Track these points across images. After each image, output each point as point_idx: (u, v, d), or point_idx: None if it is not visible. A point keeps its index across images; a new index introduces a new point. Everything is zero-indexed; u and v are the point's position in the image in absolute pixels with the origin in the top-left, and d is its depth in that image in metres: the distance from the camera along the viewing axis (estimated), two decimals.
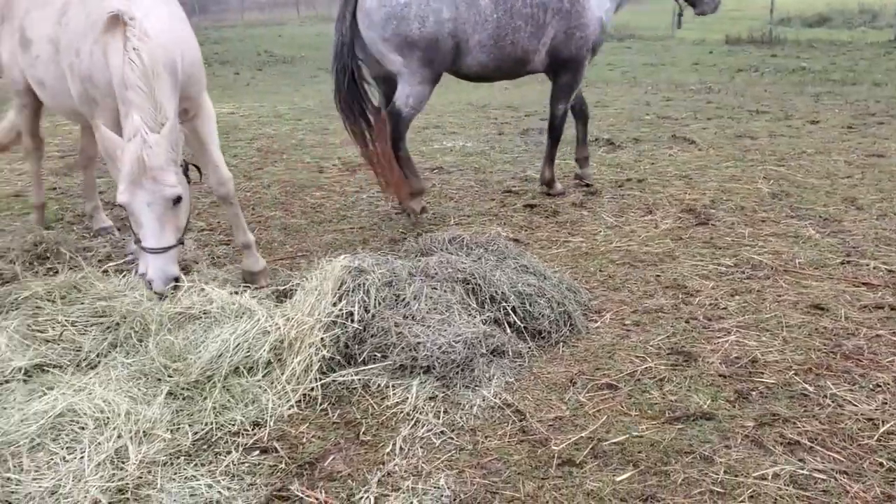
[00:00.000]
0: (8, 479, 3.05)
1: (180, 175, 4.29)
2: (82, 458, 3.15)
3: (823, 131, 9.81)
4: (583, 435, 3.47)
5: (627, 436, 3.45)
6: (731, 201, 6.85)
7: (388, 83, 6.57)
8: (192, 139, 5.01)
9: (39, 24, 4.91)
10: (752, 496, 3.05)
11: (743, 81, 14.80)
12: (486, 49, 6.42)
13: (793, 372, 3.96)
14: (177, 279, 4.28)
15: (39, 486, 3.01)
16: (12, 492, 3.00)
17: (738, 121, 10.73)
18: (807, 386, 3.82)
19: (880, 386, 3.80)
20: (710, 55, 19.19)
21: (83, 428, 3.31)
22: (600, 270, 5.39)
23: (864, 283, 5.00)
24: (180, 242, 4.33)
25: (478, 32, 6.35)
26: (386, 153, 6.38)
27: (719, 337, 4.37)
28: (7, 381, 3.74)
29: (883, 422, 3.49)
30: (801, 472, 3.18)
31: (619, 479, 3.17)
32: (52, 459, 3.16)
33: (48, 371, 3.80)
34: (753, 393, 3.78)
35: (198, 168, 4.84)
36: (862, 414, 3.56)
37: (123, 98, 4.13)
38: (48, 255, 5.11)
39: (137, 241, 4.27)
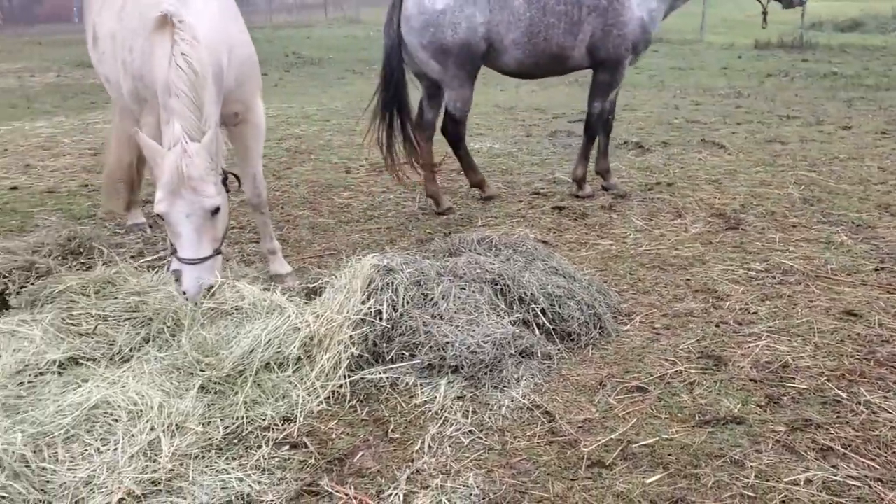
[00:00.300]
0: (44, 468, 3.09)
1: (219, 185, 4.26)
2: (116, 449, 3.19)
3: (856, 137, 9.71)
4: (612, 437, 3.46)
5: (657, 438, 3.44)
6: (761, 206, 6.80)
7: (430, 79, 6.90)
8: (236, 144, 5.07)
9: (106, 19, 4.90)
10: (783, 501, 3.03)
11: (773, 86, 14.67)
12: (521, 46, 6.67)
13: (825, 378, 3.92)
14: (210, 287, 4.23)
15: (74, 477, 3.05)
16: (48, 481, 3.04)
17: (768, 126, 10.64)
18: (840, 392, 3.78)
19: None
20: (739, 60, 19.03)
21: (117, 420, 3.36)
22: (630, 273, 5.37)
23: None
24: (217, 252, 4.29)
25: (511, 32, 6.59)
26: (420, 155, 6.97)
27: (750, 341, 4.34)
28: (42, 374, 3.79)
29: None
30: (835, 478, 3.15)
31: (648, 481, 3.16)
32: (86, 450, 3.20)
33: (82, 364, 3.85)
34: (785, 398, 3.75)
35: (237, 177, 4.84)
36: None
37: (166, 104, 4.09)
38: (81, 250, 5.17)
39: (174, 251, 4.25)
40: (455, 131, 7.04)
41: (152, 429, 3.30)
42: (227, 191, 4.45)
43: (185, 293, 4.18)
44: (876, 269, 5.29)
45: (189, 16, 4.15)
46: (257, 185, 5.11)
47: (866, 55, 19.11)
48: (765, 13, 7.35)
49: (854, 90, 13.70)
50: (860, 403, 3.68)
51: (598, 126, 7.22)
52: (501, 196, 7.42)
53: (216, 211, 4.18)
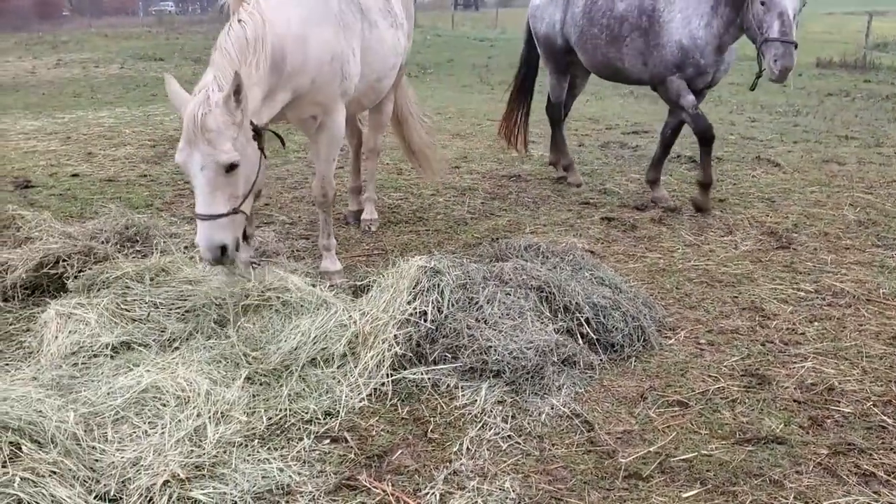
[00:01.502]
0: (93, 447, 3.20)
1: (243, 141, 4.11)
2: (163, 433, 3.28)
3: None
4: (651, 450, 3.46)
5: (696, 454, 3.42)
6: (814, 226, 6.71)
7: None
8: (312, 146, 5.31)
9: None
10: None
11: (833, 106, 14.44)
12: (580, 49, 7.66)
13: (871, 403, 3.86)
14: (224, 248, 4.07)
15: (122, 457, 3.14)
16: (97, 460, 3.14)
17: (825, 145, 10.48)
18: (885, 418, 3.72)
19: None
20: (799, 77, 18.74)
21: (165, 405, 3.45)
22: (677, 288, 5.34)
23: None
24: (235, 212, 4.12)
25: (573, 34, 7.50)
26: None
27: (795, 362, 4.29)
28: (96, 356, 3.92)
29: None
30: (875, 503, 3.11)
31: (685, 495, 3.15)
32: (134, 432, 3.31)
33: (134, 348, 3.97)
34: (828, 421, 3.70)
35: (280, 138, 4.87)
36: None
37: (211, 60, 4.20)
38: (138, 238, 5.32)
39: (193, 207, 4.18)
40: (549, 113, 8.49)
41: (199, 415, 3.39)
42: (261, 148, 4.34)
43: (196, 248, 4.11)
44: None
45: (263, 2, 4.36)
46: (324, 185, 5.28)
47: None
48: (758, 77, 6.90)
49: None
50: None
51: (698, 125, 7.00)
52: (550, 204, 7.42)
53: (231, 168, 4.03)
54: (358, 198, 6.87)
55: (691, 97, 6.92)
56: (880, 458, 3.40)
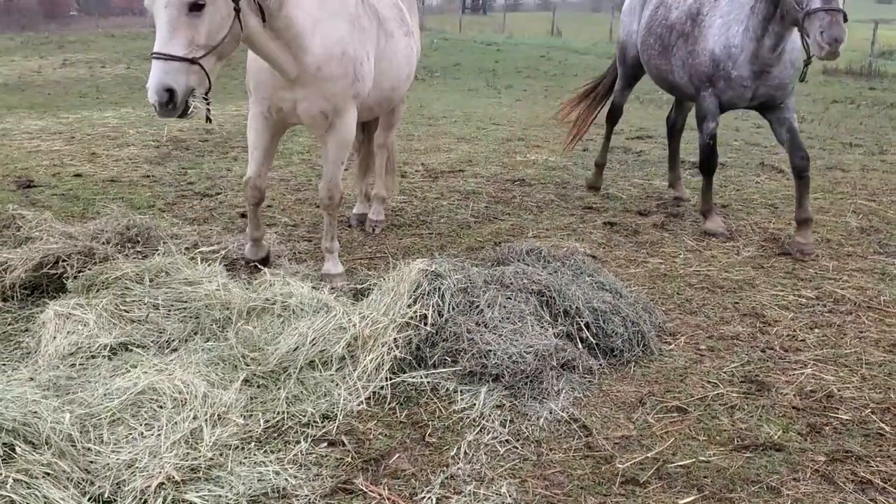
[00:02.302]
0: (88, 449, 3.19)
1: None
2: (159, 435, 3.27)
3: None
4: (648, 455, 3.45)
5: (694, 460, 3.41)
6: (817, 233, 6.68)
7: None
8: (322, 147, 5.29)
9: None
10: None
11: (838, 113, 14.41)
12: (644, 63, 7.37)
13: (870, 410, 3.85)
14: (171, 92, 3.89)
15: (117, 459, 3.13)
16: (91, 461, 3.13)
17: (830, 152, 10.46)
18: (883, 426, 3.71)
19: None
20: (804, 84, 18.68)
21: (162, 407, 3.44)
22: (677, 293, 5.33)
23: None
24: (193, 61, 3.96)
25: (638, 44, 7.38)
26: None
27: (795, 369, 4.28)
28: (93, 357, 3.92)
29: None
30: None
31: (682, 501, 3.14)
32: (130, 434, 3.30)
33: (132, 350, 3.97)
34: (827, 428, 3.69)
35: (209, 115, 4.35)
36: None
37: None
38: (139, 239, 5.31)
39: None
40: (608, 115, 8.40)
41: (195, 417, 3.38)
42: (236, 10, 4.17)
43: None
44: None
45: None
46: (331, 188, 5.27)
47: None
48: (807, 64, 5.87)
49: None
50: None
51: (705, 156, 6.67)
52: (553, 208, 7.42)
53: (196, 7, 3.92)
54: (364, 201, 6.88)
55: (713, 125, 6.44)
56: (877, 466, 3.39)
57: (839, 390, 4.04)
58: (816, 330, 4.78)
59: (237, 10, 4.16)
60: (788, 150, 6.36)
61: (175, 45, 3.91)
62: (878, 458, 3.44)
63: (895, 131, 12.28)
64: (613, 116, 8.38)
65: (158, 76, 3.89)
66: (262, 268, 5.09)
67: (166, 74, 3.89)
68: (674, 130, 8.20)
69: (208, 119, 4.24)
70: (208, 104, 4.16)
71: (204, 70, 4.03)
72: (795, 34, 5.87)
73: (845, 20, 5.34)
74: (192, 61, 3.97)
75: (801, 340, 4.63)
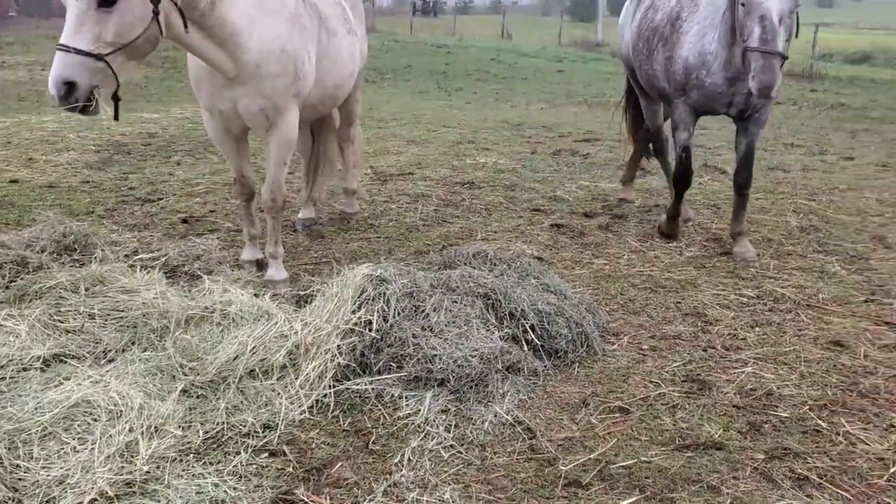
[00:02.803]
0: (17, 465, 3.08)
1: None
2: (93, 449, 3.18)
3: (857, 168, 9.71)
4: (591, 457, 3.46)
5: (636, 460, 3.43)
6: (758, 233, 6.80)
7: None
8: (265, 148, 5.22)
9: None
10: None
11: (781, 114, 14.69)
12: (635, 65, 6.99)
13: (807, 407, 3.91)
14: (72, 86, 3.82)
15: (48, 475, 3.03)
16: (20, 479, 3.03)
17: (772, 153, 10.65)
18: (820, 422, 3.77)
19: (894, 426, 3.75)
20: None
21: (96, 420, 3.35)
22: (621, 294, 5.37)
23: (886, 323, 4.94)
24: (98, 58, 3.85)
25: (631, 49, 7.05)
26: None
27: (736, 367, 4.33)
28: (26, 370, 3.79)
29: (894, 462, 3.44)
30: None
31: (624, 502, 3.15)
32: (62, 449, 3.19)
33: (66, 361, 3.86)
34: (766, 426, 3.74)
35: (116, 104, 4.24)
36: (874, 453, 3.51)
37: None
38: (76, 246, 5.20)
39: None
40: (643, 139, 7.75)
41: (131, 430, 3.29)
42: (155, 13, 4.06)
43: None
44: (866, 301, 5.29)
45: None
46: (273, 190, 5.21)
47: (874, 88, 19.19)
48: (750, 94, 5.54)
49: (859, 122, 13.72)
50: (839, 434, 3.67)
51: (678, 166, 6.43)
52: (502, 211, 7.43)
53: (106, 3, 3.83)
54: (311, 206, 6.84)
55: (685, 135, 6.18)
56: (814, 462, 3.44)
57: (778, 388, 4.10)
58: (757, 328, 4.85)
59: (156, 13, 4.05)
60: (737, 164, 6.23)
61: (80, 38, 3.82)
62: (816, 455, 3.50)
63: (835, 132, 12.57)
64: (649, 140, 7.59)
65: (59, 68, 3.81)
66: (257, 270, 5.32)
67: (67, 67, 3.81)
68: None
69: (116, 118, 4.18)
70: (117, 101, 4.09)
71: (111, 68, 3.94)
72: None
73: (784, 62, 5.17)
74: (98, 57, 3.87)
75: (742, 339, 4.70)
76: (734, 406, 3.92)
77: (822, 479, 3.33)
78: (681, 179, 6.42)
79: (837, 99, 16.79)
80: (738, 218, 6.25)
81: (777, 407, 3.92)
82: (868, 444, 3.58)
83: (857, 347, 4.58)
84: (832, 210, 7.63)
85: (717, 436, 3.63)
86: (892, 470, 3.39)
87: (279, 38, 4.81)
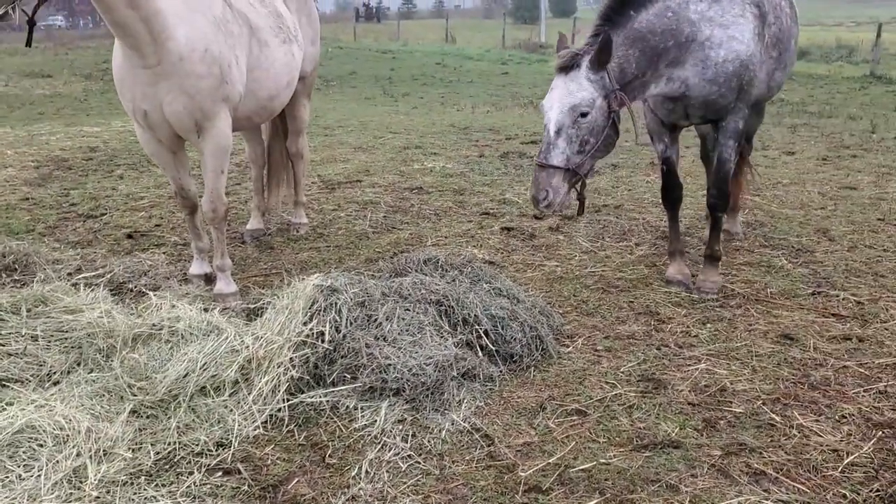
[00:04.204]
0: None
1: None
2: (39, 476, 3.09)
3: (799, 162, 9.91)
4: (550, 461, 3.45)
5: (595, 463, 3.43)
6: (705, 229, 6.87)
7: None
8: (201, 158, 5.09)
9: None
10: None
11: None
12: None
13: (761, 402, 3.96)
14: None
15: None
16: None
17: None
18: (774, 416, 3.82)
19: (846, 417, 3.81)
20: None
21: (42, 445, 3.25)
22: (574, 295, 5.39)
23: (833, 315, 5.03)
24: None
25: None
26: None
27: (689, 365, 4.37)
28: None
29: (847, 453, 3.50)
30: (766, 502, 3.17)
31: None
32: (7, 477, 3.09)
33: (8, 386, 3.73)
34: (721, 422, 3.78)
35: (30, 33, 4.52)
36: (827, 445, 3.57)
37: None
38: (17, 266, 5.05)
39: None
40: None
41: (78, 454, 3.21)
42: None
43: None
44: (813, 294, 5.38)
45: None
46: (213, 200, 5.10)
47: (811, 83, 19.57)
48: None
49: (798, 117, 14.00)
50: (793, 427, 3.72)
51: (662, 182, 5.76)
52: (452, 215, 7.41)
53: None
54: (259, 216, 6.75)
55: (661, 147, 5.74)
56: (769, 456, 3.48)
57: (732, 383, 4.14)
58: (708, 325, 4.91)
59: None
60: (707, 182, 5.81)
61: None
62: (771, 449, 3.54)
63: (775, 127, 12.79)
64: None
65: None
66: (206, 284, 5.28)
67: None
68: None
69: (28, 44, 4.34)
70: (31, 27, 4.21)
71: None
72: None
73: (567, 173, 4.51)
74: None
75: (695, 336, 4.74)
76: (689, 404, 3.95)
77: (778, 472, 3.37)
78: (666, 194, 5.79)
79: (779, 95, 17.10)
80: (710, 240, 5.61)
81: (731, 403, 3.96)
82: (821, 436, 3.64)
83: (807, 340, 4.65)
84: (776, 204, 7.76)
85: (673, 434, 3.65)
86: (846, 461, 3.44)
87: (204, 38, 4.70)
